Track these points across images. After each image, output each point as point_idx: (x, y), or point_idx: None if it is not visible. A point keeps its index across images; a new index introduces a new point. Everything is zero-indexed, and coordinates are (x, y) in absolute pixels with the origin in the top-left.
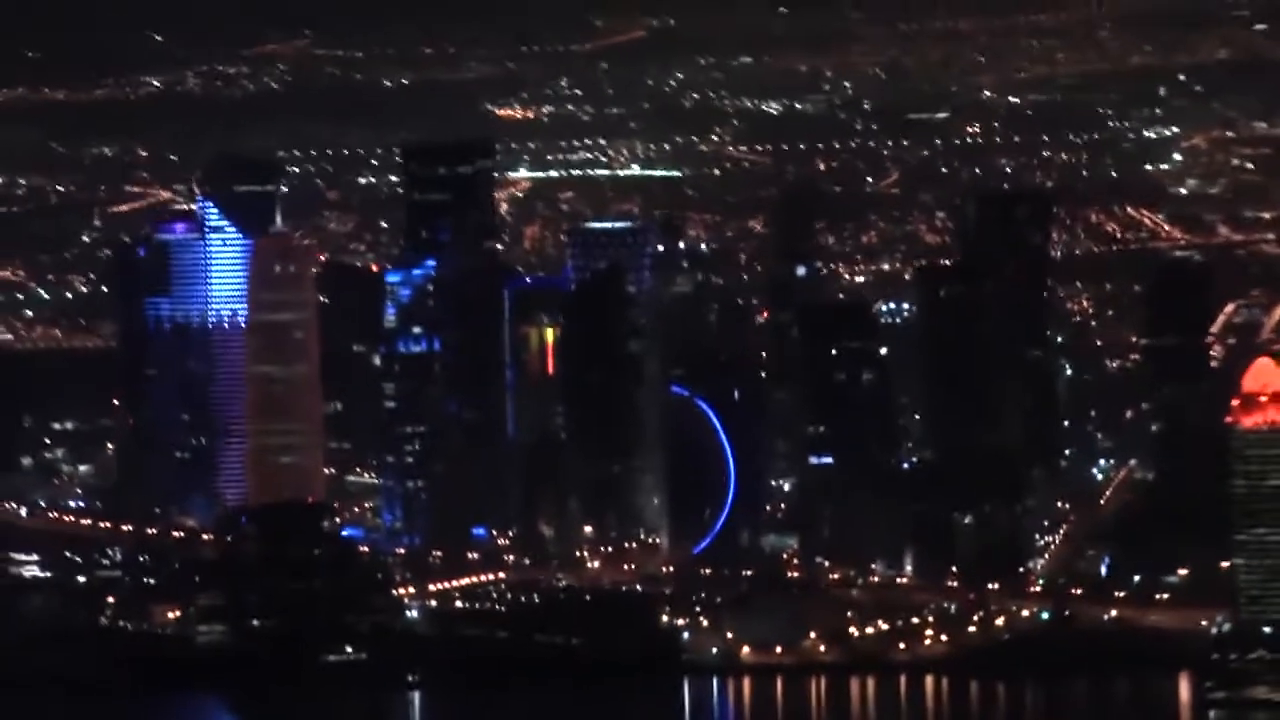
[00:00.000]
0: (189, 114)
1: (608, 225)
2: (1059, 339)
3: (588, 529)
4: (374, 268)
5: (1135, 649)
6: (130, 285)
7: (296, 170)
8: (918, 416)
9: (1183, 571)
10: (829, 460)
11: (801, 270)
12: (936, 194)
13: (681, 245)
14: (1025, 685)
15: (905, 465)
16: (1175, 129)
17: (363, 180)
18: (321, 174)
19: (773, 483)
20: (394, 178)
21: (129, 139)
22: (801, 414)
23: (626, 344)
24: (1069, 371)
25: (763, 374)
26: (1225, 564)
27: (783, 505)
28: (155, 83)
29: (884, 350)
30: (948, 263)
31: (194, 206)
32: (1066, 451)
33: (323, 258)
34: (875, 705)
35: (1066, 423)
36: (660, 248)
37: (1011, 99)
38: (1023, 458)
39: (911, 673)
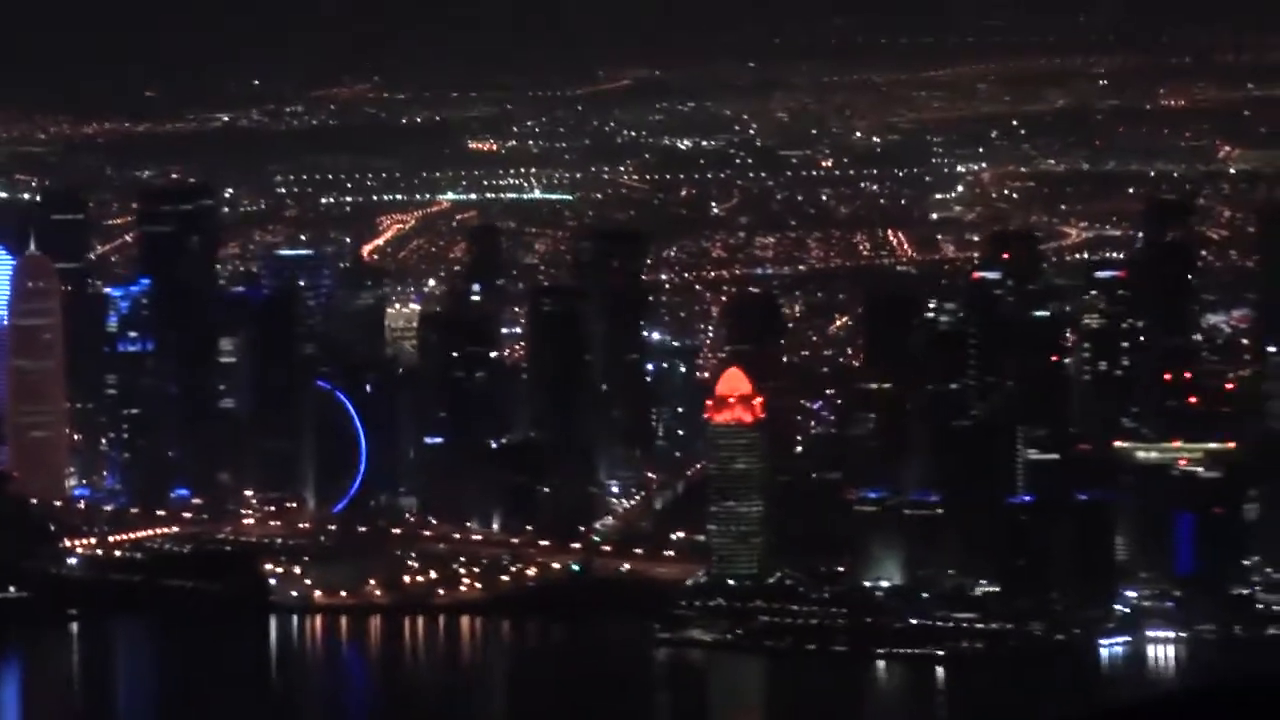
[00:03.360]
0: (233, 144)
1: (294, 253)
2: (676, 343)
3: (248, 492)
4: None
5: (639, 596)
6: None
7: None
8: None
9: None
10: (440, 439)
11: (476, 287)
12: (752, 219)
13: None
14: (548, 625)
15: (495, 445)
16: (984, 165)
17: None
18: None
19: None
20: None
21: (171, 164)
22: (426, 403)
23: (299, 346)
24: (683, 369)
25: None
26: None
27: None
28: (225, 117)
29: (494, 354)
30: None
31: None
32: (681, 432)
33: None
34: (421, 640)
35: (681, 409)
36: (344, 267)
37: (875, 139)
38: (608, 439)
39: (451, 613)
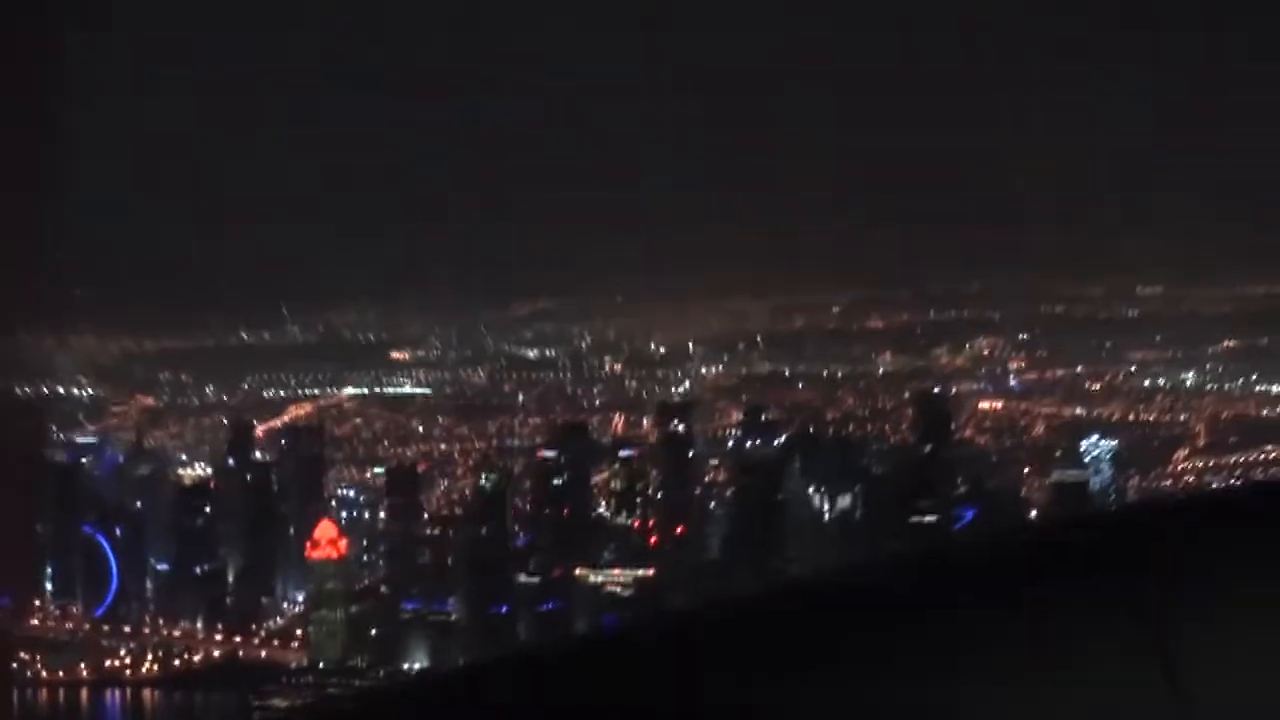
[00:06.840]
0: (235, 356)
1: (83, 439)
2: (362, 498)
3: (38, 602)
4: None
5: (268, 674)
6: None
7: None
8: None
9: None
10: (166, 566)
11: (231, 461)
12: (534, 406)
13: (147, 446)
14: (205, 696)
15: (199, 569)
16: (720, 368)
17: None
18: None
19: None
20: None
21: (181, 369)
22: (162, 541)
23: (78, 504)
24: (367, 515)
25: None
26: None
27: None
28: (245, 336)
29: (209, 507)
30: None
31: None
32: None
33: None
34: (121, 707)
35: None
36: (136, 448)
37: (661, 349)
38: (296, 565)
39: (136, 686)
